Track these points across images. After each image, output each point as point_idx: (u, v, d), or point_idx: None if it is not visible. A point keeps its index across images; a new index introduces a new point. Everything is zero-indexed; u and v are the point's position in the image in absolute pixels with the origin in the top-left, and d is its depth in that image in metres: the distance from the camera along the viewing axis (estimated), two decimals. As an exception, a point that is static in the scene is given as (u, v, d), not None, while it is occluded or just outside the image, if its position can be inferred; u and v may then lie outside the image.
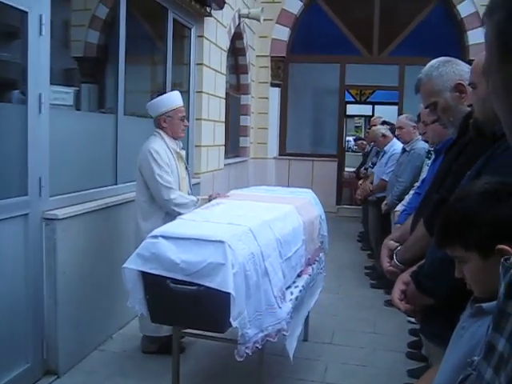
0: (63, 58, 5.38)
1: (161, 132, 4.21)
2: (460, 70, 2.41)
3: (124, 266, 2.88)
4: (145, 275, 2.86)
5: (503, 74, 0.78)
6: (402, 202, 4.77)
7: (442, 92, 2.39)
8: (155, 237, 2.86)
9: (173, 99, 4.28)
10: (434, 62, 2.50)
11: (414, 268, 2.10)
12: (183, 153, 4.35)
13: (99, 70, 5.84)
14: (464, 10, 10.11)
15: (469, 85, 2.11)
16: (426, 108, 2.55)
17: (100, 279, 4.24)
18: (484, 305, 1.38)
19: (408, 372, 4.03)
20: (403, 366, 4.14)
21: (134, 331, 4.41)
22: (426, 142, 4.73)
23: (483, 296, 1.41)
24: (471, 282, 1.45)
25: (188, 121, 5.85)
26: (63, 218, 3.73)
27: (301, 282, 3.68)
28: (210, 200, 4.13)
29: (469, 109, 2.30)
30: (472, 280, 1.44)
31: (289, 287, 3.48)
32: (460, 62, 2.48)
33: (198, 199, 4.15)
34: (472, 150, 2.13)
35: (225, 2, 6.93)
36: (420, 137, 5.34)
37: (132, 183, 5.03)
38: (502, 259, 0.89)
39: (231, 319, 2.66)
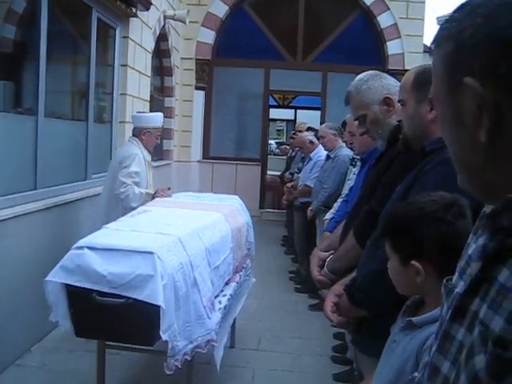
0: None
1: (138, 141, 4.83)
2: (388, 84, 2.46)
3: (46, 278, 2.75)
4: (69, 288, 2.74)
5: (451, 105, 0.78)
6: (331, 210, 4.83)
7: (370, 105, 2.43)
8: (80, 248, 2.75)
9: (157, 119, 5.02)
10: (362, 75, 2.54)
11: (346, 280, 2.13)
12: (152, 163, 5.08)
13: (15, 67, 5.57)
14: (383, 21, 10.45)
15: (398, 101, 2.15)
16: (355, 120, 2.59)
17: (18, 290, 4.04)
18: (414, 319, 1.43)
19: (333, 376, 4.10)
20: (329, 370, 4.21)
21: (55, 343, 4.23)
22: (352, 149, 4.82)
23: (401, 293, 1.49)
24: (391, 278, 1.53)
25: (111, 124, 5.77)
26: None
27: (229, 291, 3.65)
28: (154, 196, 4.58)
29: (396, 122, 2.36)
30: (391, 276, 1.53)
31: (217, 296, 3.44)
32: (387, 76, 2.55)
33: (143, 193, 4.54)
34: (401, 163, 2.18)
35: (151, 3, 6.81)
36: (343, 144, 5.46)
37: (54, 188, 4.86)
38: (444, 280, 0.91)
39: (161, 332, 2.59)
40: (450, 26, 0.78)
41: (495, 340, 0.64)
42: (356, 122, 2.65)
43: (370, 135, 2.57)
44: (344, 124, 5.02)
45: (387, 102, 2.41)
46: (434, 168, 1.78)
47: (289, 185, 7.33)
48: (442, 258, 1.33)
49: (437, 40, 0.82)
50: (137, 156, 4.63)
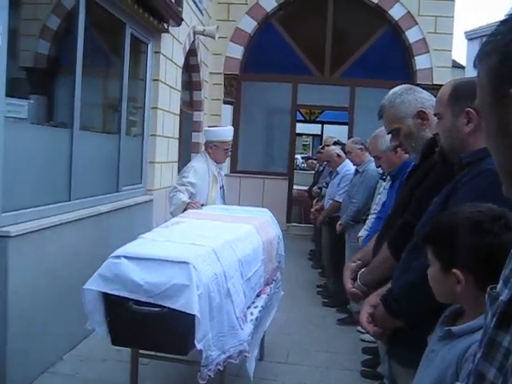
0: (11, 68, 5.24)
1: (206, 155, 5.10)
2: (422, 98, 2.48)
3: (84, 286, 2.80)
4: (106, 296, 2.79)
5: (497, 116, 0.80)
6: (365, 227, 4.83)
7: (404, 119, 2.45)
8: (117, 257, 2.81)
9: (224, 133, 5.25)
10: (396, 89, 2.57)
11: (382, 291, 2.14)
12: (220, 177, 5.25)
13: (50, 82, 5.70)
14: (412, 36, 10.45)
15: (434, 115, 2.17)
16: (388, 133, 2.61)
17: (52, 299, 4.12)
18: (453, 328, 1.43)
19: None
20: (358, 385, 4.19)
21: (86, 352, 4.29)
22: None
23: (440, 301, 1.50)
24: (431, 284, 1.54)
25: (142, 137, 5.87)
26: (16, 236, 3.62)
27: (260, 302, 3.68)
28: (186, 207, 4.66)
29: (430, 135, 2.37)
30: (431, 283, 1.54)
31: (248, 307, 3.47)
32: (421, 89, 2.56)
33: (181, 200, 4.71)
34: (436, 176, 2.19)
35: (182, 19, 6.93)
36: (372, 158, 5.45)
37: (87, 199, 4.95)
38: (488, 288, 0.92)
39: (196, 341, 2.63)
40: (495, 38, 0.81)
41: None
42: (388, 136, 2.68)
43: (403, 149, 2.59)
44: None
45: (421, 115, 2.42)
46: (471, 180, 1.79)
47: (314, 207, 7.36)
48: (484, 268, 1.34)
49: (482, 53, 0.84)
50: (193, 168, 4.93)
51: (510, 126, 0.77)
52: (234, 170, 11.20)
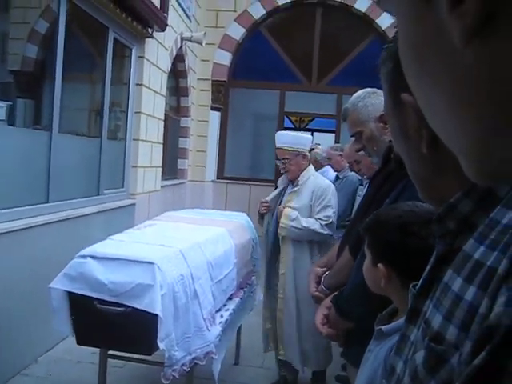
0: (-1, 70, 5.28)
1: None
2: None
3: (50, 285, 2.82)
4: (71, 295, 2.81)
5: (398, 120, 0.83)
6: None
7: (366, 122, 2.48)
8: (83, 256, 2.83)
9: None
10: (360, 92, 2.60)
11: (336, 293, 2.17)
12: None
13: (36, 86, 5.73)
14: (399, 44, 10.52)
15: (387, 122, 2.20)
16: (351, 136, 2.64)
17: (26, 300, 4.12)
18: (383, 327, 1.46)
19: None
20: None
21: (62, 354, 4.29)
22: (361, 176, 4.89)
23: (373, 291, 1.54)
24: (364, 274, 1.60)
25: (125, 141, 5.83)
26: (-10, 236, 3.63)
27: (231, 306, 3.69)
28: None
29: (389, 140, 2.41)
30: (364, 273, 1.60)
31: (219, 310, 3.49)
32: None
33: None
34: (394, 180, 2.22)
35: (167, 25, 6.97)
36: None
37: (66, 201, 4.96)
38: (411, 285, 0.95)
39: (158, 341, 2.65)
40: (390, 46, 0.85)
41: (433, 336, 0.68)
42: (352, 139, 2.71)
43: (365, 152, 2.61)
44: None
45: (383, 119, 2.44)
46: None
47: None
48: (406, 267, 1.37)
49: (381, 60, 0.88)
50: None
51: (410, 130, 0.79)
52: (220, 176, 11.22)
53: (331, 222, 3.83)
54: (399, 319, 1.42)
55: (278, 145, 4.00)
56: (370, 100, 2.50)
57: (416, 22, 0.46)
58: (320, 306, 2.24)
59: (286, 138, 3.99)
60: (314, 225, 3.77)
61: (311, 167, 4.07)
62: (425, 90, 0.52)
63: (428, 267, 0.80)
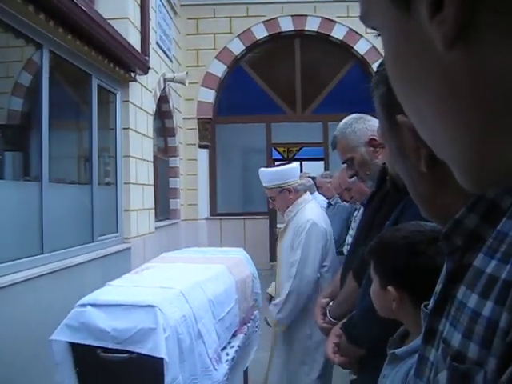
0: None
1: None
2: (372, 126, 2.52)
3: (51, 337, 2.77)
4: (74, 346, 2.75)
5: (395, 141, 0.83)
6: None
7: (357, 148, 2.48)
8: (83, 305, 2.78)
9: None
10: (346, 119, 2.61)
11: (345, 320, 2.14)
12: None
13: (23, 137, 5.74)
14: (379, 68, 10.68)
15: (380, 145, 2.22)
16: (343, 163, 2.65)
17: (26, 354, 4.04)
18: (397, 351, 1.44)
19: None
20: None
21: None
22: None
23: (381, 315, 1.51)
24: (372, 300, 1.57)
25: (116, 185, 5.82)
26: (-14, 292, 3.59)
27: (236, 342, 3.64)
28: None
29: (382, 163, 2.41)
30: (372, 298, 1.57)
31: (224, 348, 3.43)
32: (371, 117, 2.60)
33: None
34: (391, 202, 2.22)
35: (149, 68, 7.04)
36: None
37: (61, 251, 4.92)
38: (422, 305, 0.94)
39: (165, 385, 2.59)
40: (382, 69, 0.85)
41: (454, 355, 0.67)
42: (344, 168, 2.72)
43: (359, 177, 2.62)
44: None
45: (372, 143, 2.46)
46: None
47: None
48: (416, 288, 1.35)
49: (373, 83, 0.89)
50: None
51: (408, 150, 0.79)
52: (213, 213, 11.22)
53: (297, 271, 3.40)
54: (411, 341, 1.40)
55: (263, 184, 3.85)
56: (358, 125, 2.51)
57: (400, 33, 0.46)
58: (330, 335, 2.21)
59: (267, 176, 3.78)
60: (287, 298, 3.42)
61: (302, 199, 3.71)
62: (413, 101, 0.52)
63: (440, 286, 0.79)
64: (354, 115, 2.59)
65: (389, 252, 1.44)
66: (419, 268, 1.34)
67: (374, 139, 2.45)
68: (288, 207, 3.71)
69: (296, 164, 3.98)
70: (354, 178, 2.66)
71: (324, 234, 3.53)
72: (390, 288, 1.42)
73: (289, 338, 3.56)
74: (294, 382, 3.51)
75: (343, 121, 2.58)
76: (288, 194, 3.69)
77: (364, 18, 0.54)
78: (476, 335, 0.62)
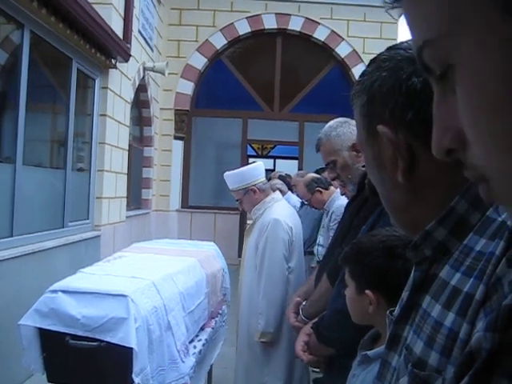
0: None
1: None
2: (356, 130, 2.55)
3: (20, 322, 2.74)
4: (42, 332, 2.73)
5: (372, 150, 0.86)
6: (316, 259, 4.90)
7: (340, 151, 2.52)
8: (54, 291, 2.76)
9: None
10: (332, 122, 2.65)
11: (316, 319, 2.18)
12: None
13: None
14: (358, 73, 10.67)
15: (359, 151, 2.26)
16: (326, 165, 2.68)
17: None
18: (369, 352, 1.47)
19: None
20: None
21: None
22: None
23: (355, 322, 1.55)
24: (347, 305, 1.59)
25: (90, 171, 5.76)
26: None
27: (204, 336, 3.65)
28: None
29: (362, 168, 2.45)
30: (347, 303, 1.59)
31: (192, 341, 3.44)
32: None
33: None
34: (370, 207, 2.26)
35: (130, 55, 6.98)
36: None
37: (31, 235, 4.87)
38: (388, 312, 0.97)
39: (133, 375, 2.59)
40: (363, 79, 0.88)
41: (415, 362, 0.70)
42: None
43: (340, 180, 2.65)
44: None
45: (355, 147, 2.49)
46: None
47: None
48: (393, 291, 1.38)
49: (353, 92, 0.91)
50: None
51: (385, 160, 0.81)
52: (185, 205, 11.18)
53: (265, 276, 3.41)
54: (384, 344, 1.43)
55: (229, 187, 3.78)
56: (342, 129, 2.54)
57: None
58: (300, 333, 2.25)
59: (231, 179, 3.72)
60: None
61: (270, 198, 3.65)
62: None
63: (406, 294, 0.82)
64: (339, 119, 2.62)
65: (367, 256, 1.48)
66: (397, 271, 1.38)
67: (358, 144, 2.48)
68: (255, 207, 3.65)
69: (259, 163, 3.88)
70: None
71: (288, 230, 3.47)
72: (367, 292, 1.46)
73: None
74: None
75: (328, 124, 2.61)
76: (253, 195, 3.61)
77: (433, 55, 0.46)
78: (437, 344, 0.65)
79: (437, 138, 0.48)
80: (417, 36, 0.46)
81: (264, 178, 3.76)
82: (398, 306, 0.90)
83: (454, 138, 0.46)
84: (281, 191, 6.51)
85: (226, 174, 3.78)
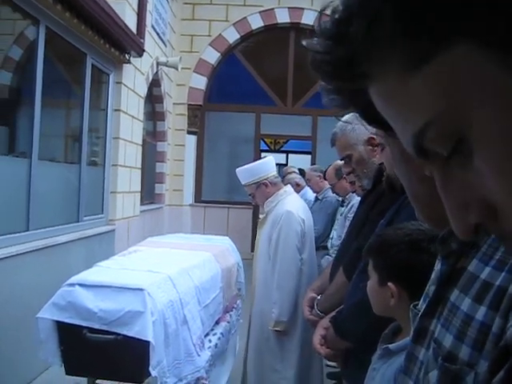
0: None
1: None
2: None
3: (38, 315, 2.77)
4: (60, 325, 2.76)
5: (397, 145, 0.85)
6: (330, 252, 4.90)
7: (355, 145, 2.51)
8: (71, 285, 2.79)
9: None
10: (347, 117, 2.63)
11: (334, 313, 2.18)
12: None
13: (11, 113, 5.69)
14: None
15: (378, 145, 2.25)
16: (341, 160, 2.68)
17: (9, 331, 4.04)
18: (391, 346, 1.47)
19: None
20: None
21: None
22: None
23: (376, 313, 1.54)
24: (369, 296, 1.59)
25: (104, 167, 5.78)
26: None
27: (219, 330, 3.67)
28: None
29: (379, 162, 2.45)
30: (369, 295, 1.58)
31: (207, 335, 3.46)
32: None
33: None
34: (386, 201, 2.25)
35: (144, 50, 6.99)
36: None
37: (46, 229, 4.90)
38: (411, 305, 0.96)
39: (150, 368, 2.61)
40: None
41: (445, 355, 0.69)
42: (341, 163, 2.74)
43: (355, 175, 2.65)
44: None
45: (371, 142, 2.49)
46: None
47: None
48: (416, 285, 1.38)
49: None
50: None
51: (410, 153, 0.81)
52: (198, 199, 11.21)
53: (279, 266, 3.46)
54: (405, 337, 1.43)
55: (241, 183, 3.87)
56: (358, 124, 2.53)
57: None
58: (317, 327, 2.25)
59: (242, 175, 3.81)
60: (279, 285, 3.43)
61: (283, 191, 3.72)
62: None
63: (432, 287, 0.82)
64: (354, 113, 2.61)
65: (392, 248, 1.47)
66: (421, 265, 1.37)
67: (373, 138, 2.47)
68: (268, 199, 3.70)
69: (270, 157, 3.96)
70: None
71: (301, 222, 3.53)
72: (390, 284, 1.46)
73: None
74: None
75: (343, 118, 2.60)
76: (265, 188, 3.68)
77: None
78: (468, 338, 0.65)
79: (459, 219, 0.47)
80: (412, 123, 0.44)
81: (275, 172, 3.82)
82: (422, 300, 0.89)
83: (481, 210, 0.45)
84: (298, 185, 6.53)
85: (238, 169, 3.87)
